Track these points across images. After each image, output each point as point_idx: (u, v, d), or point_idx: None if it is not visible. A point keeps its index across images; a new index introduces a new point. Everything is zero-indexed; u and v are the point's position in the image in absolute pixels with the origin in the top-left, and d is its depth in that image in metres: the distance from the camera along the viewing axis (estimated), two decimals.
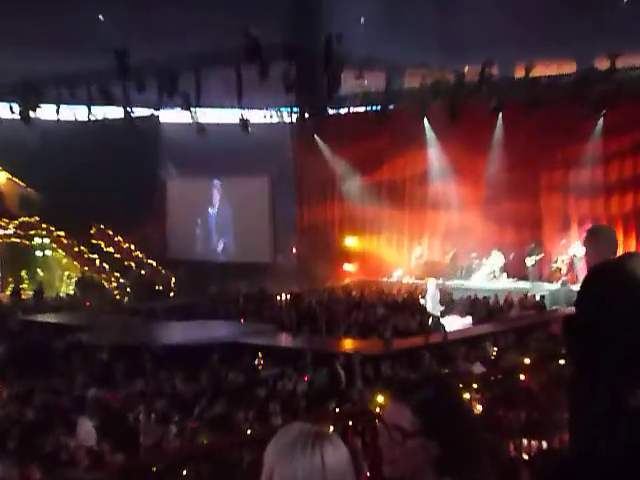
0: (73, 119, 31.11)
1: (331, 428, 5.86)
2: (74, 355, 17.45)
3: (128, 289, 32.62)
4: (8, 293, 31.89)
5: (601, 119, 25.19)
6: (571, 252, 25.37)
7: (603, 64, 24.35)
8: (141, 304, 28.34)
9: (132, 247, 35.03)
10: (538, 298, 23.18)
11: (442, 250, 29.19)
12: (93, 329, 21.15)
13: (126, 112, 29.12)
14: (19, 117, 28.61)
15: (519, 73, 26.67)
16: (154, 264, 34.56)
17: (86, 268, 34.14)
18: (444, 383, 2.70)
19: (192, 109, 28.83)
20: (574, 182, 26.16)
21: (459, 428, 2.47)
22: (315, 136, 31.60)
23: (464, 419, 2.55)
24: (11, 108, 28.91)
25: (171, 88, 27.03)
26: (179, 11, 28.48)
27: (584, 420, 2.41)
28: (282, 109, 32.22)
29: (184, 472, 6.08)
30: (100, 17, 29.49)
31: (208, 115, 30.87)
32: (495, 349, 15.85)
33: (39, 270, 33.89)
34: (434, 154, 29.21)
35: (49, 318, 24.07)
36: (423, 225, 30.04)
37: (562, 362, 7.75)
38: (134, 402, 12.54)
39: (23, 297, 31.01)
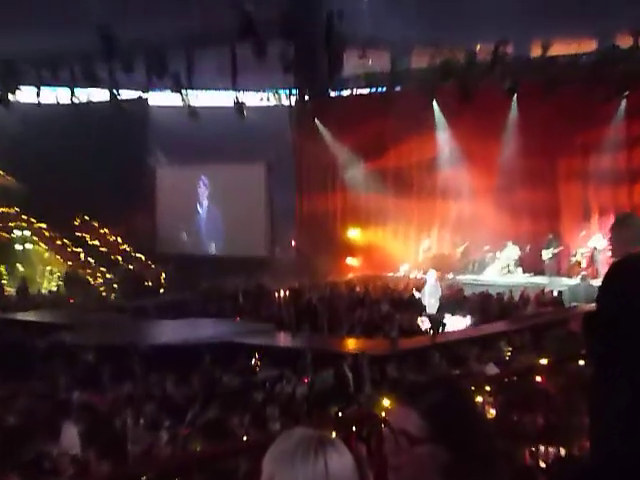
0: (55, 102, 31.09)
1: (333, 434, 5.87)
2: (57, 356, 17.45)
3: (115, 285, 32.66)
4: None
5: (623, 101, 25.18)
6: (591, 244, 25.37)
7: (625, 42, 24.32)
8: (129, 301, 28.36)
9: (119, 240, 35.03)
10: (556, 294, 23.17)
11: (452, 242, 29.20)
12: (77, 328, 21.14)
13: (112, 95, 29.11)
14: None
15: (535, 52, 26.66)
16: (143, 258, 34.58)
17: (70, 263, 34.15)
18: (455, 385, 2.70)
19: (183, 91, 28.85)
20: (594, 169, 26.12)
21: (471, 433, 2.47)
22: (315, 120, 31.58)
23: (476, 424, 2.54)
24: None
25: (160, 69, 27.05)
26: None
27: (604, 418, 2.41)
28: (280, 91, 32.21)
29: None
30: None
31: (200, 98, 30.88)
32: (510, 349, 15.85)
33: (19, 265, 33.89)
34: (443, 139, 29.21)
35: (30, 316, 24.05)
36: (432, 215, 30.05)
37: (582, 363, 7.75)
38: (121, 406, 12.53)
39: (5, 294, 31.02)
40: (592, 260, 25.25)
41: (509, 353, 15.50)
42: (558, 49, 26.15)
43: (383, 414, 6.08)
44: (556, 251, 26.13)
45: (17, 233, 34.22)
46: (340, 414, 9.50)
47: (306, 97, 31.58)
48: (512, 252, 27.04)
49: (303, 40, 29.03)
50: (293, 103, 32.27)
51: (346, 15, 25.26)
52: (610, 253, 4.96)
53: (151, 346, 18.05)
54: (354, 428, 6.45)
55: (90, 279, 33.64)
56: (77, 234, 34.56)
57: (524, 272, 26.91)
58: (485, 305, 22.82)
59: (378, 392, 11.83)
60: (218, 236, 35.74)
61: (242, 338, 18.75)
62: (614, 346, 2.40)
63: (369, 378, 14.10)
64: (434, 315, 20.74)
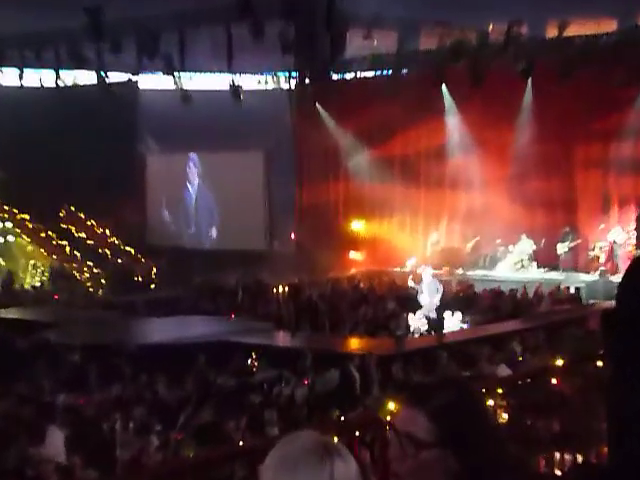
0: (39, 85, 31.09)
1: (335, 439, 5.88)
2: (41, 356, 17.46)
3: (103, 280, 32.64)
4: None
5: None
6: (611, 238, 25.37)
7: None
8: (118, 297, 28.39)
9: (107, 232, 35.02)
10: (573, 290, 23.22)
11: (462, 235, 29.20)
12: (63, 326, 21.17)
13: (100, 77, 29.10)
14: None
15: (551, 32, 26.63)
16: (132, 252, 34.55)
17: (54, 257, 34.14)
18: (464, 387, 2.70)
19: (175, 74, 28.82)
20: (614, 157, 26.09)
21: (481, 438, 2.47)
22: (317, 105, 31.55)
23: (487, 428, 2.55)
24: None
25: (151, 49, 27.02)
26: None
27: (622, 419, 2.42)
28: (279, 74, 32.20)
29: None
30: None
31: (194, 81, 30.91)
32: (523, 349, 15.87)
33: (0, 259, 33.89)
34: (453, 125, 29.20)
35: (12, 314, 24.05)
36: (440, 206, 30.04)
37: (600, 363, 7.76)
38: (109, 410, 12.55)
39: None
40: (611, 255, 25.25)
41: (522, 353, 15.53)
42: (575, 29, 26.10)
43: (388, 418, 6.10)
44: (573, 245, 26.12)
45: None
46: (342, 418, 9.51)
47: (307, 80, 31.54)
48: (526, 246, 27.03)
49: (303, 19, 29.01)
50: (293, 86, 32.25)
51: None
52: (631, 247, 4.96)
53: (141, 345, 18.07)
54: (357, 433, 6.45)
55: (76, 274, 33.60)
56: (62, 226, 34.54)
57: (538, 267, 26.91)
58: (497, 302, 22.85)
59: (386, 394, 11.84)
60: (213, 228, 35.75)
61: (238, 337, 18.78)
62: (634, 345, 2.40)
63: (377, 380, 14.12)
64: (432, 314, 20.71)
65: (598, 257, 25.73)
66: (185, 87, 29.44)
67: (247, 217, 33.62)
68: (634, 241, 24.83)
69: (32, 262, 34.46)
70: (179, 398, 13.61)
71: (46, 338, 19.24)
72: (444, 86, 28.54)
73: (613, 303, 2.56)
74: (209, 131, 30.59)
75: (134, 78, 32.55)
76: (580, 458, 7.51)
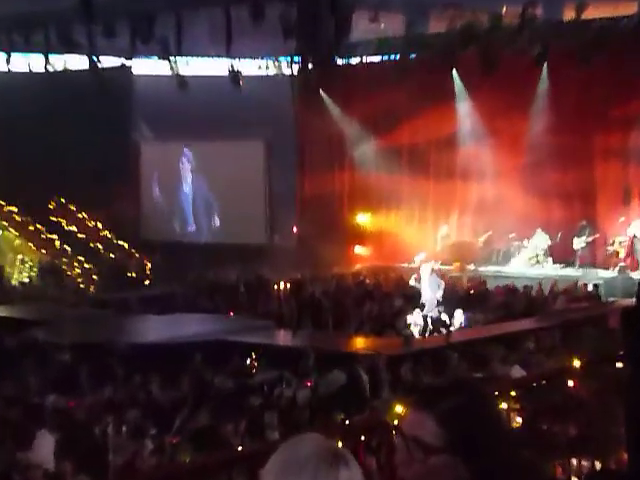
0: (27, 70, 31.08)
1: (339, 444, 5.87)
2: (29, 356, 17.48)
3: (94, 276, 32.66)
4: None
5: None
6: (631, 232, 25.39)
7: None
8: (110, 294, 28.43)
9: (99, 226, 35.00)
10: (590, 288, 23.20)
11: (473, 229, 29.20)
12: (52, 324, 21.19)
13: (91, 62, 29.10)
14: None
15: (568, 15, 26.60)
16: (126, 246, 34.54)
17: (44, 251, 34.14)
18: (476, 389, 2.70)
19: (171, 59, 28.81)
20: (635, 146, 26.09)
21: (492, 443, 2.46)
22: (320, 91, 31.55)
23: (499, 433, 2.54)
24: None
25: (146, 33, 27.00)
26: None
27: None
28: (280, 59, 32.17)
29: None
30: None
31: (191, 66, 30.87)
32: (538, 349, 15.87)
33: None
34: (464, 112, 29.19)
35: None
36: (451, 199, 30.04)
37: (620, 364, 7.75)
38: (101, 412, 12.57)
39: None
40: (631, 250, 25.27)
41: (537, 354, 15.53)
42: (594, 12, 26.05)
43: (395, 422, 6.09)
44: (590, 239, 26.11)
45: None
46: (347, 422, 9.51)
47: (310, 65, 31.50)
48: (541, 240, 27.03)
49: (306, 1, 28.98)
50: (295, 72, 32.20)
51: None
52: None
53: (135, 345, 18.09)
54: (362, 437, 6.45)
55: (67, 269, 33.62)
56: (52, 219, 34.52)
57: (554, 263, 26.92)
58: (510, 300, 22.84)
59: (395, 397, 11.83)
60: (210, 221, 35.74)
61: (237, 336, 18.81)
62: None
63: (387, 381, 14.11)
64: (434, 312, 20.72)
65: (617, 252, 25.73)
66: (181, 72, 29.44)
67: (246, 209, 33.57)
68: None
69: (20, 257, 34.45)
70: (174, 400, 13.62)
71: (34, 336, 19.27)
72: (454, 71, 28.53)
73: (633, 301, 2.56)
74: (207, 119, 30.57)
75: (128, 63, 32.51)
76: (598, 464, 7.51)
